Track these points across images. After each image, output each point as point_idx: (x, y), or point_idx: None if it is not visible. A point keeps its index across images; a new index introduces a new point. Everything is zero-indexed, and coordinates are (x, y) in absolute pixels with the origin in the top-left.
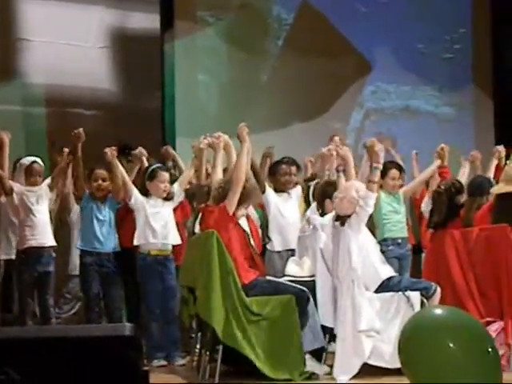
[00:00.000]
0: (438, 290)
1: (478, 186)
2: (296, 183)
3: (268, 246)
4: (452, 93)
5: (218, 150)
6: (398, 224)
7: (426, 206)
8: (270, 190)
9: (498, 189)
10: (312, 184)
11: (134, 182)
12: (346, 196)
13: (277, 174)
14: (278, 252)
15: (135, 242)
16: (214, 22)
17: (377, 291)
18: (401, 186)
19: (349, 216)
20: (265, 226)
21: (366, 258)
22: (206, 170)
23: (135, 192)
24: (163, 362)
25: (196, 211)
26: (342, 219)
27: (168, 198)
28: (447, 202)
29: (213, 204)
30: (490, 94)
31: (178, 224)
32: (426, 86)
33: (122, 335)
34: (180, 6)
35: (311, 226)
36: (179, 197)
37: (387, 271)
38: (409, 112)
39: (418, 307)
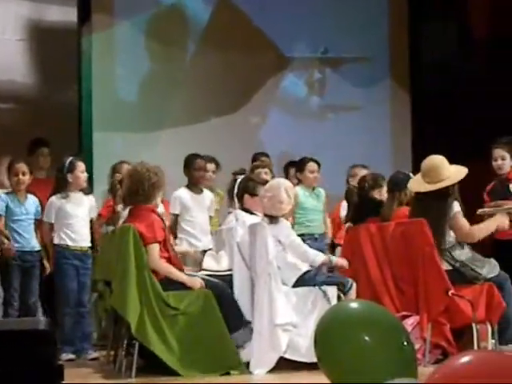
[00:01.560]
0: (354, 284)
1: (397, 182)
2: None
3: (177, 242)
4: (370, 88)
5: None
6: (315, 221)
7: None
8: (181, 189)
9: (416, 186)
10: (240, 178)
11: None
12: (276, 196)
13: (191, 167)
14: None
15: (55, 241)
16: (132, 16)
17: (294, 285)
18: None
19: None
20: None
21: (284, 252)
22: None
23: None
24: (71, 356)
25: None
26: (272, 218)
27: (86, 192)
28: (361, 198)
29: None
30: (407, 89)
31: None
32: (344, 81)
33: (37, 329)
34: (97, 0)
35: (235, 220)
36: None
37: (305, 265)
38: (328, 108)
39: (334, 301)
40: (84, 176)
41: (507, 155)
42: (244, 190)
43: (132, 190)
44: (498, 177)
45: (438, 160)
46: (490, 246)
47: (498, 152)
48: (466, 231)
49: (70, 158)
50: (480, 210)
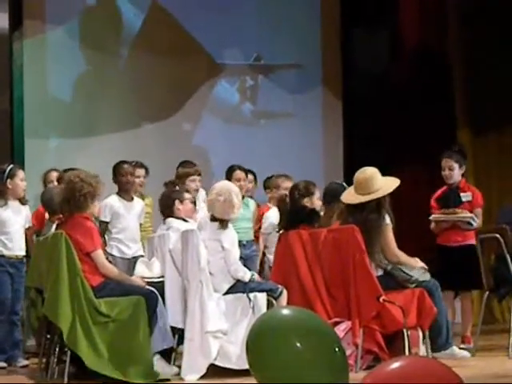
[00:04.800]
0: (285, 291)
1: (331, 193)
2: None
3: (107, 249)
4: (302, 95)
5: None
6: (242, 229)
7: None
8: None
9: (348, 198)
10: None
11: None
12: (229, 201)
13: (118, 173)
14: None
15: None
16: (65, 22)
17: (225, 292)
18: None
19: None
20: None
21: (222, 261)
22: None
23: None
24: (3, 364)
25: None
26: (222, 222)
27: (23, 202)
28: (292, 206)
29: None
30: (339, 96)
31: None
32: (276, 88)
33: None
34: (29, 5)
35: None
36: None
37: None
38: (260, 114)
39: (264, 308)
40: (23, 184)
41: (455, 165)
42: (173, 198)
43: (64, 199)
44: (449, 186)
45: (369, 172)
46: (431, 251)
47: (446, 162)
48: (392, 250)
49: (11, 166)
50: (434, 216)
